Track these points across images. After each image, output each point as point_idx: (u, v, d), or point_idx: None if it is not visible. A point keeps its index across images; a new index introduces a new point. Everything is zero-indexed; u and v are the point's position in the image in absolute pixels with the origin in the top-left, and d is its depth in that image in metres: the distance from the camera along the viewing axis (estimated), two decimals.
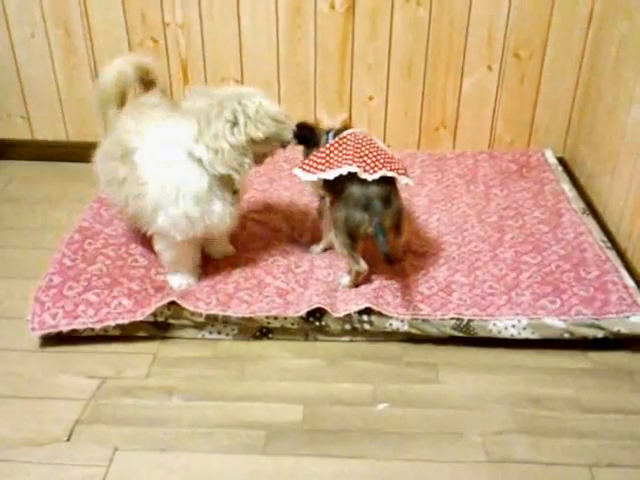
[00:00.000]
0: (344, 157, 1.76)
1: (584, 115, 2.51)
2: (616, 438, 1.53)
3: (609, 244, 2.06)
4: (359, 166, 1.73)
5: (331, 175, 1.75)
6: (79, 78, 2.59)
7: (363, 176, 1.72)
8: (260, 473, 1.45)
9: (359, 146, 1.78)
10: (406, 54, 2.50)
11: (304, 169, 1.81)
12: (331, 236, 1.87)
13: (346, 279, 1.88)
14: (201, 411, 1.60)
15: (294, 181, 2.42)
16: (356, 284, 1.87)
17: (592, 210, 2.27)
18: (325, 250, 2.04)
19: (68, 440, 1.51)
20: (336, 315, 1.76)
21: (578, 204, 2.28)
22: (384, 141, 2.66)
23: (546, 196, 2.33)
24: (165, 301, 1.76)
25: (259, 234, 2.13)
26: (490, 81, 2.54)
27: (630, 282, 1.87)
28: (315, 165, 1.79)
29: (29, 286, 1.88)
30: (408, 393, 1.66)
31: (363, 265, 1.84)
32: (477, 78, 2.54)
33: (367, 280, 1.88)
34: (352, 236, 1.79)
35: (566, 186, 2.39)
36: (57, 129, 2.70)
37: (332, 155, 1.78)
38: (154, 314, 1.77)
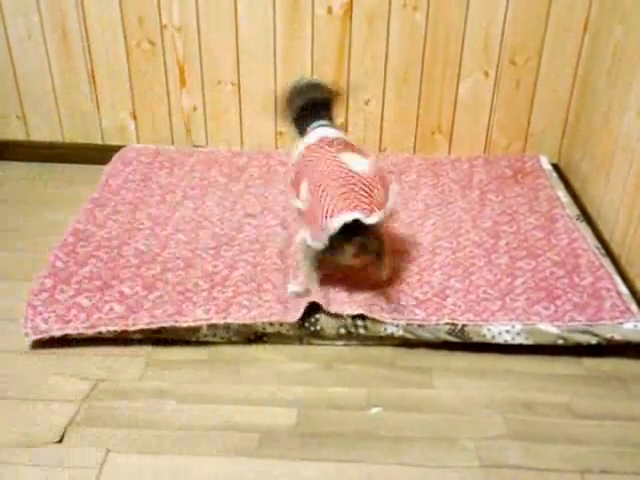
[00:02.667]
0: (342, 200, 1.68)
1: (579, 121, 2.52)
2: (609, 444, 1.54)
3: (603, 250, 2.06)
4: (359, 211, 1.66)
5: (337, 223, 1.65)
6: (75, 79, 2.59)
7: (367, 222, 1.66)
8: (253, 476, 1.45)
9: (347, 183, 1.71)
10: (403, 59, 2.51)
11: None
12: (298, 240, 1.82)
13: (294, 287, 1.84)
14: (195, 414, 1.59)
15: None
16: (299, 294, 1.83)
17: (586, 216, 2.28)
18: None
19: (60, 442, 1.51)
20: (328, 309, 1.76)
21: (572, 210, 2.28)
22: (380, 145, 2.67)
23: (541, 202, 2.34)
24: (161, 324, 1.74)
25: (255, 237, 2.13)
26: (486, 87, 2.55)
27: (624, 289, 1.88)
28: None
29: (22, 288, 1.87)
30: (402, 397, 1.66)
31: (315, 285, 1.81)
32: (473, 83, 2.54)
33: (361, 287, 1.88)
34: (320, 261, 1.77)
35: (561, 192, 2.39)
36: (53, 130, 2.69)
37: (326, 197, 1.69)
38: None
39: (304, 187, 1.80)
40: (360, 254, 1.73)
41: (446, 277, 1.94)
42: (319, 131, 1.91)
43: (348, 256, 1.72)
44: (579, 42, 2.44)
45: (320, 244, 1.69)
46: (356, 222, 1.66)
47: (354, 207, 1.67)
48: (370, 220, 1.67)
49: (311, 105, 1.95)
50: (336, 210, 1.66)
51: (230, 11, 2.44)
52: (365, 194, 1.71)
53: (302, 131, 1.96)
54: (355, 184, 1.72)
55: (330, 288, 1.87)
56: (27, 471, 1.44)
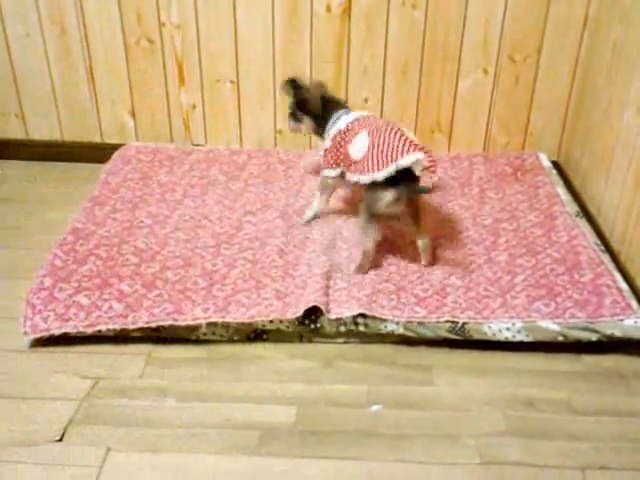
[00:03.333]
0: (410, 144, 1.82)
1: (578, 118, 2.52)
2: (609, 440, 1.54)
3: (603, 247, 2.06)
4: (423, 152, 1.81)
5: (405, 161, 1.79)
6: (74, 77, 2.58)
7: (427, 163, 1.79)
8: (253, 474, 1.45)
9: (401, 135, 1.86)
10: (402, 56, 2.51)
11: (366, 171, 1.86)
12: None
13: (353, 265, 1.96)
14: (195, 412, 1.59)
15: (289, 182, 2.42)
16: (365, 269, 1.95)
17: (586, 213, 2.28)
18: (314, 218, 2.20)
19: (60, 440, 1.50)
20: (328, 317, 1.76)
21: (572, 207, 2.28)
22: None
23: (540, 199, 2.34)
24: (161, 323, 1.74)
25: (254, 235, 2.13)
26: (485, 84, 2.55)
27: (624, 285, 1.88)
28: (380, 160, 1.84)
29: (22, 286, 1.87)
30: (402, 395, 1.66)
31: (369, 245, 1.92)
32: (472, 81, 2.54)
33: (361, 284, 1.89)
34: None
35: (560, 189, 2.39)
36: (52, 129, 2.69)
37: (395, 140, 1.84)
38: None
39: (363, 135, 1.92)
40: (406, 199, 1.86)
41: (446, 275, 1.94)
42: (355, 113, 2.06)
43: (396, 199, 1.84)
44: (578, 39, 2.44)
45: (381, 177, 1.82)
46: (409, 172, 1.81)
47: (421, 150, 1.81)
48: (431, 166, 1.80)
49: (331, 98, 2.12)
50: (407, 150, 1.80)
51: (229, 9, 2.44)
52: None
53: (327, 120, 2.07)
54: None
55: (331, 286, 1.87)
56: (27, 470, 1.44)
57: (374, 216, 1.89)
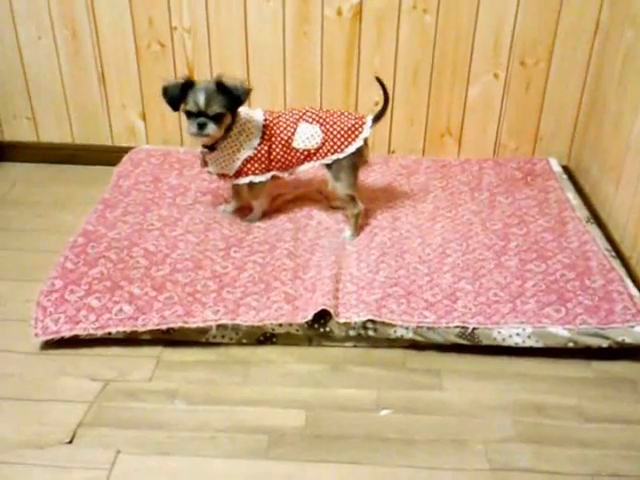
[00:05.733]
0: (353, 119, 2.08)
1: (589, 123, 2.51)
2: (619, 448, 1.53)
3: (613, 253, 2.05)
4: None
5: (367, 132, 2.06)
6: (85, 80, 2.60)
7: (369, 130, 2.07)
8: (262, 478, 1.45)
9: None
10: (412, 60, 2.51)
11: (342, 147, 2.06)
12: (332, 186, 2.11)
13: (349, 232, 2.13)
14: (204, 415, 1.59)
15: (296, 184, 2.42)
16: (358, 231, 2.14)
17: (596, 218, 2.27)
18: (235, 210, 2.26)
19: (70, 442, 1.51)
20: (337, 320, 1.76)
21: (582, 212, 2.27)
22: (389, 147, 2.67)
23: (550, 204, 2.33)
24: (171, 325, 1.75)
25: (264, 238, 2.13)
26: (496, 88, 2.54)
27: (635, 291, 1.87)
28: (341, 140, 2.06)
29: (33, 288, 1.88)
30: (411, 400, 1.65)
31: (361, 205, 2.12)
32: (483, 85, 2.54)
33: (370, 288, 1.89)
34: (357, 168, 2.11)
35: (570, 194, 2.39)
36: (63, 131, 2.70)
37: (345, 114, 2.09)
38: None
39: (305, 126, 2.06)
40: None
41: (456, 279, 1.94)
42: (251, 109, 2.14)
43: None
44: (590, 44, 2.43)
45: (353, 149, 2.06)
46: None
47: (362, 117, 2.10)
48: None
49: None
50: (361, 123, 2.07)
51: (240, 13, 2.45)
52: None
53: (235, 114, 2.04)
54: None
55: (340, 289, 1.87)
56: (37, 471, 1.44)
57: (356, 177, 2.10)
